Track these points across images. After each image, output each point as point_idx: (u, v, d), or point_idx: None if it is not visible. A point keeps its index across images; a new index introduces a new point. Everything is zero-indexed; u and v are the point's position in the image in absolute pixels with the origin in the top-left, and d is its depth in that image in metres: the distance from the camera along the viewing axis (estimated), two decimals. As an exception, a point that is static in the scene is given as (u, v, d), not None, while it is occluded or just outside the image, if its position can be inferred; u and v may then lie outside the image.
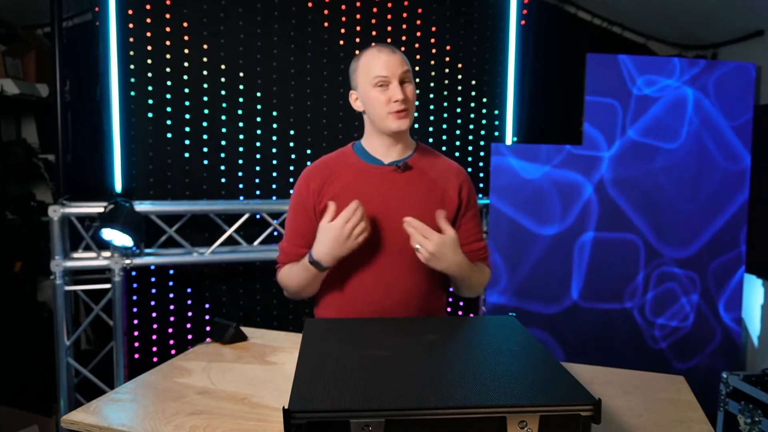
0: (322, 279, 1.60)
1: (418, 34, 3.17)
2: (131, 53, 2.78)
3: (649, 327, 3.11)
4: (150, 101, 2.84)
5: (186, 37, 2.85)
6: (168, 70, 2.85)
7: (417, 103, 3.17)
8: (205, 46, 2.89)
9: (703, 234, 3.10)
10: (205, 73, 2.90)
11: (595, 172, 3.04)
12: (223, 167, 2.99)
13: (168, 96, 2.86)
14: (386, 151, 1.64)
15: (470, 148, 3.36)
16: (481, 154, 3.37)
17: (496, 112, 3.35)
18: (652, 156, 3.05)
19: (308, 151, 3.09)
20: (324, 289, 1.66)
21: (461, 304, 3.41)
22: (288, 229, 1.70)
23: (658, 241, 3.08)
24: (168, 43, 2.83)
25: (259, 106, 3.01)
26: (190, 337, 3.03)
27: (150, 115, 2.85)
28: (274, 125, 3.04)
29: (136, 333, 2.95)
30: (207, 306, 3.06)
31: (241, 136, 3.00)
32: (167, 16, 2.81)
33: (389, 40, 3.12)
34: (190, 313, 3.04)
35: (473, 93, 3.31)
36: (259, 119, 3.02)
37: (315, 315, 1.73)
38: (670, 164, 3.06)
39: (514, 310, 3.03)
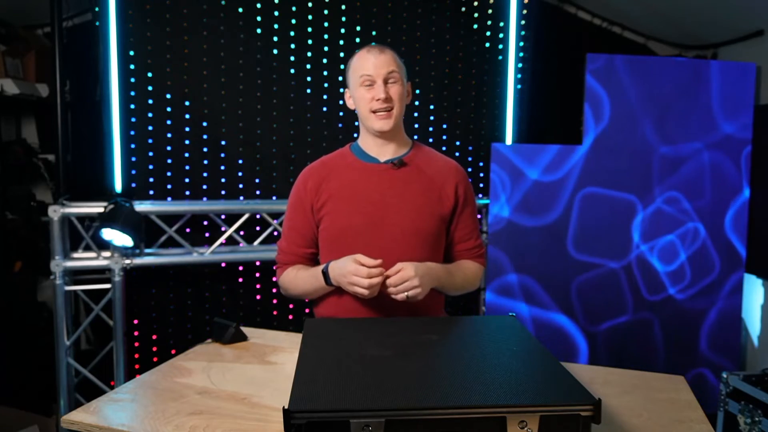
0: (327, 291, 1.61)
1: (418, 33, 3.17)
2: (131, 53, 2.78)
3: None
4: (150, 101, 2.84)
5: (186, 37, 2.85)
6: (168, 70, 2.85)
7: (417, 103, 3.19)
8: (205, 46, 2.89)
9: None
10: (205, 73, 2.90)
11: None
12: (223, 167, 2.99)
13: (168, 96, 2.86)
14: (380, 149, 1.65)
15: (470, 148, 3.35)
16: (481, 154, 3.37)
17: (496, 112, 3.35)
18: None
19: (308, 151, 3.09)
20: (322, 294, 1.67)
21: (461, 304, 3.41)
22: (286, 229, 1.71)
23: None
24: (168, 43, 2.83)
25: (259, 106, 3.00)
26: (190, 337, 3.03)
27: (150, 115, 2.85)
28: (274, 125, 3.04)
29: (136, 333, 2.95)
30: (207, 306, 3.05)
31: (241, 136, 3.00)
32: (167, 16, 2.81)
33: (389, 40, 3.11)
34: (190, 313, 3.04)
35: (473, 93, 3.31)
36: (259, 119, 3.01)
37: (314, 314, 1.74)
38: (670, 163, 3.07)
39: (514, 309, 3.03)
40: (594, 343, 3.10)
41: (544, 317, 3.09)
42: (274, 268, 1.77)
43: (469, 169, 3.38)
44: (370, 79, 1.56)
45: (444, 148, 3.29)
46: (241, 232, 3.01)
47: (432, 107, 3.25)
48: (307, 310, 3.19)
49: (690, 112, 3.04)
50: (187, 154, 2.93)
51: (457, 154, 3.34)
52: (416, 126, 3.24)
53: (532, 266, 3.07)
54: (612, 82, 2.99)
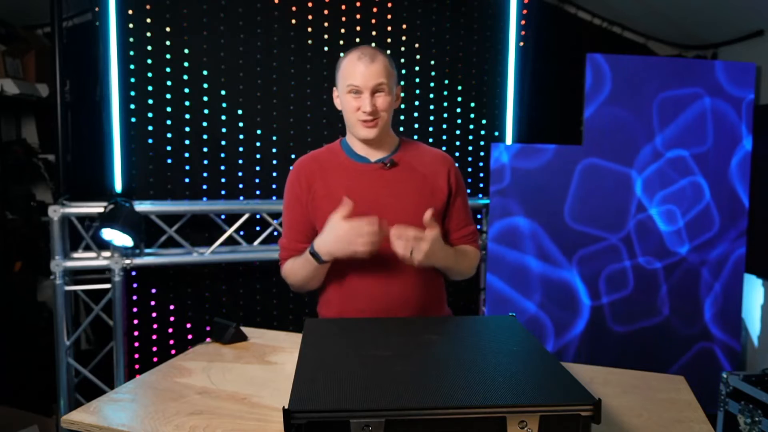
0: (324, 272, 1.61)
1: (418, 33, 3.17)
2: (131, 53, 2.78)
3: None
4: (150, 101, 2.84)
5: (186, 37, 2.85)
6: (168, 70, 2.85)
7: (417, 103, 3.19)
8: (205, 46, 2.89)
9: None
10: (205, 73, 2.90)
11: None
12: (223, 167, 2.99)
13: (168, 96, 2.86)
14: (368, 150, 1.66)
15: (470, 148, 3.35)
16: (481, 154, 3.37)
17: (496, 112, 3.35)
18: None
19: (308, 151, 3.08)
20: (324, 286, 1.68)
21: (461, 304, 3.41)
22: (285, 226, 1.72)
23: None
24: (168, 43, 2.83)
25: (259, 106, 3.00)
26: (190, 337, 3.03)
27: (150, 115, 2.85)
28: (274, 125, 3.04)
29: (136, 333, 2.95)
30: (207, 306, 3.05)
31: (241, 136, 3.00)
32: (167, 16, 2.81)
33: (389, 40, 3.11)
34: (190, 313, 3.04)
35: (473, 93, 3.31)
36: (259, 119, 3.01)
37: (317, 312, 1.74)
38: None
39: (514, 309, 3.03)
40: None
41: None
42: (279, 265, 1.77)
43: (469, 169, 3.38)
44: (358, 89, 1.55)
45: (444, 148, 3.27)
46: (241, 232, 3.01)
47: (432, 107, 3.25)
48: (307, 310, 3.19)
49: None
50: (187, 154, 2.93)
51: (457, 154, 3.34)
52: (416, 126, 3.24)
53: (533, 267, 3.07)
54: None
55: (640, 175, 3.06)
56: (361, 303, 1.61)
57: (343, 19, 3.06)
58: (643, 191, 3.07)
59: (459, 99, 3.29)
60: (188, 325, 3.04)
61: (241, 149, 3.01)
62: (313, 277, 1.63)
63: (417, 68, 3.16)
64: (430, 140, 3.26)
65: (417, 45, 3.17)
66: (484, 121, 3.35)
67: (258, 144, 3.03)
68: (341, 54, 3.05)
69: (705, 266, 3.12)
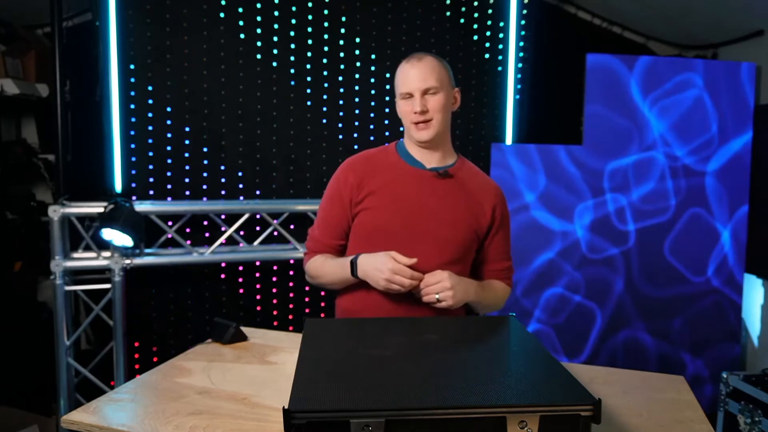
0: (351, 283, 1.61)
1: (418, 34, 3.17)
2: (131, 53, 2.78)
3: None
4: (150, 101, 2.84)
5: (186, 37, 2.85)
6: (168, 70, 2.85)
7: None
8: (205, 46, 2.89)
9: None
10: (205, 73, 2.90)
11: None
12: (223, 167, 2.99)
13: (168, 96, 2.86)
14: (425, 156, 1.66)
15: (470, 148, 3.35)
16: (481, 154, 3.37)
17: (496, 112, 3.35)
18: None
19: (308, 151, 3.09)
20: (344, 291, 1.68)
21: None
22: (320, 218, 1.71)
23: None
24: (168, 43, 2.83)
25: (259, 106, 3.00)
26: (190, 337, 3.03)
27: (150, 115, 2.85)
28: (274, 125, 3.04)
29: (136, 333, 2.95)
30: (207, 306, 3.05)
31: (241, 136, 3.00)
32: (167, 16, 2.81)
33: (389, 41, 3.12)
34: (190, 313, 3.04)
35: (473, 93, 3.31)
36: (259, 119, 3.01)
37: (336, 305, 1.73)
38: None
39: (514, 310, 3.03)
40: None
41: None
42: (303, 254, 1.77)
43: (469, 169, 3.37)
44: (409, 93, 1.58)
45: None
46: (241, 232, 3.01)
47: (432, 107, 3.24)
48: (307, 310, 3.19)
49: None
50: (187, 154, 2.93)
51: (457, 154, 3.34)
52: (416, 126, 3.23)
53: (533, 268, 3.07)
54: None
55: (636, 175, 3.06)
56: (384, 307, 1.60)
57: (343, 19, 3.06)
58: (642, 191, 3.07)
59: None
60: (188, 325, 3.04)
61: (241, 149, 3.01)
62: (340, 283, 1.64)
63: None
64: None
65: (417, 45, 3.17)
66: (484, 121, 3.35)
67: (258, 144, 3.03)
68: (341, 54, 3.09)
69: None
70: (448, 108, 1.62)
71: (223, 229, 2.96)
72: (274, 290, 3.14)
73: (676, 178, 3.08)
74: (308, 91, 3.07)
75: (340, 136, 3.11)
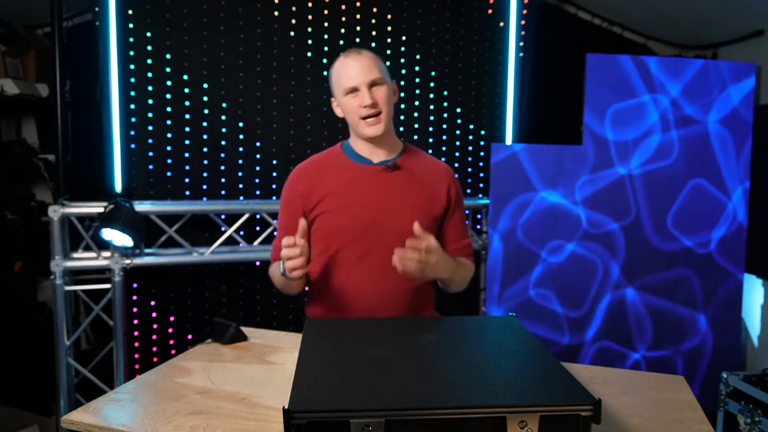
0: (295, 284, 1.61)
1: (418, 33, 3.17)
2: (131, 53, 2.78)
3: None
4: (150, 101, 2.84)
5: (186, 37, 2.85)
6: (168, 70, 2.85)
7: (417, 103, 3.19)
8: (205, 46, 2.89)
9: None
10: (205, 73, 2.90)
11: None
12: (223, 167, 2.99)
13: (168, 96, 2.86)
14: (372, 151, 1.67)
15: (470, 148, 3.35)
16: (481, 154, 3.37)
17: (496, 112, 3.35)
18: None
19: (308, 151, 3.06)
20: (315, 287, 1.70)
21: (461, 303, 3.41)
22: (279, 227, 1.76)
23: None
24: (168, 43, 2.83)
25: (259, 106, 3.00)
26: (190, 337, 3.03)
27: (150, 115, 2.85)
28: (274, 125, 3.04)
29: (136, 333, 2.95)
30: (207, 306, 3.05)
31: (241, 136, 3.00)
32: (167, 16, 2.81)
33: (389, 40, 3.11)
34: (190, 313, 3.04)
35: (473, 93, 3.31)
36: (259, 119, 3.01)
37: (306, 313, 1.76)
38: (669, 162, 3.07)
39: (514, 309, 3.03)
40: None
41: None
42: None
43: (469, 169, 3.38)
44: (355, 88, 1.57)
45: (444, 148, 3.30)
46: (241, 232, 3.01)
47: (432, 107, 3.25)
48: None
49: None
50: (187, 154, 2.93)
51: (457, 154, 3.34)
52: (416, 126, 3.23)
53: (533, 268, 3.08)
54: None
55: (637, 175, 3.06)
56: (349, 309, 1.62)
57: (343, 19, 3.06)
58: (641, 191, 3.07)
59: (459, 99, 3.29)
60: (188, 325, 3.04)
61: (241, 149, 3.01)
62: (285, 285, 1.64)
63: (417, 68, 3.16)
64: (431, 140, 3.26)
65: (417, 45, 3.17)
66: (484, 121, 3.35)
67: (258, 144, 3.03)
68: (341, 54, 3.08)
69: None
70: (392, 100, 1.63)
71: (223, 229, 2.96)
72: (274, 290, 3.11)
73: (676, 177, 3.09)
74: (308, 91, 3.07)
75: (340, 136, 3.09)
